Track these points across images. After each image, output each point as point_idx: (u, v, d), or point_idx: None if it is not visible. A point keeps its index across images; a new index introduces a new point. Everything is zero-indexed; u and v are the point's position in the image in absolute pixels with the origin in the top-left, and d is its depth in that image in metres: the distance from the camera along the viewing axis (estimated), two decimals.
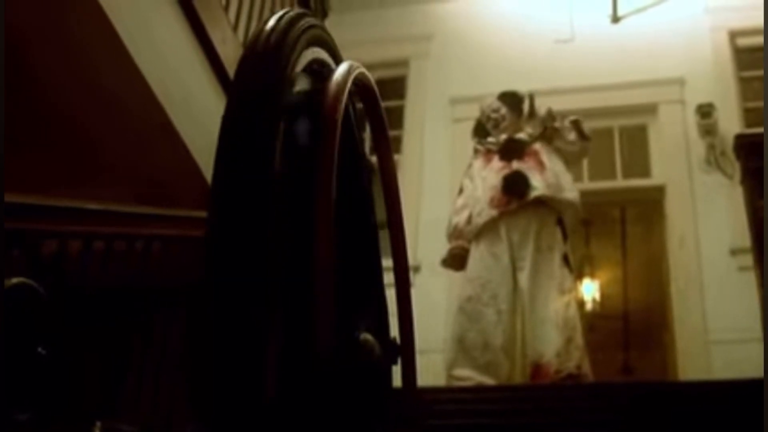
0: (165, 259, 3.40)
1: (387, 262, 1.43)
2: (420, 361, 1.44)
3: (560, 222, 4.93)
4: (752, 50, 6.91)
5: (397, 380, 1.39)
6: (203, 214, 1.14)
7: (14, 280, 1.88)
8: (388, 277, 1.43)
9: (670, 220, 6.77)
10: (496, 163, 5.04)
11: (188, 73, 3.92)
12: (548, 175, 4.91)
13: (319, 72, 1.23)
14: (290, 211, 1.07)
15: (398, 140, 7.29)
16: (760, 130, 3.95)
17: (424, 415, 3.11)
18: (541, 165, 4.94)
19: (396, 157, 6.70)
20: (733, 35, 7.13)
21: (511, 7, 7.72)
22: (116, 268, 3.28)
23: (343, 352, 1.12)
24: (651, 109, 7.12)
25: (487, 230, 4.91)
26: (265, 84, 1.06)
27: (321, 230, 1.03)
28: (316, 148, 1.08)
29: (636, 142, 7.24)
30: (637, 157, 7.18)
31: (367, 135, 1.54)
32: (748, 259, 4.14)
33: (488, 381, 4.55)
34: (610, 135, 7.22)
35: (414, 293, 1.52)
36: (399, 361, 1.37)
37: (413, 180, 7.09)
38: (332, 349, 1.00)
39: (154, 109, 3.64)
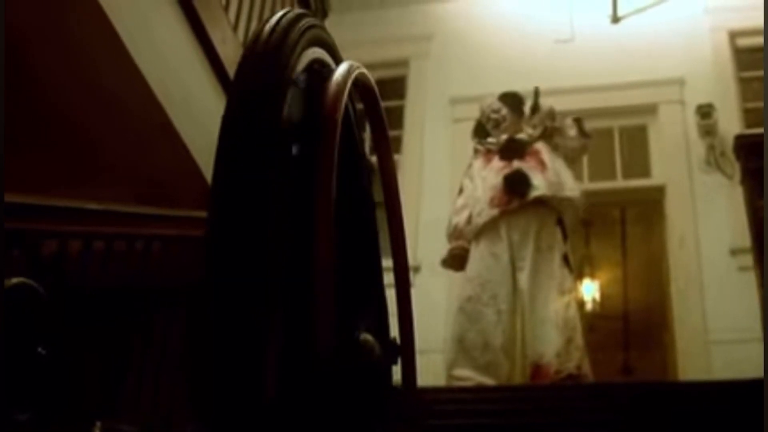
0: (165, 259, 3.40)
1: (387, 262, 1.43)
2: (420, 361, 1.44)
3: (560, 222, 4.92)
4: (752, 51, 6.91)
5: (397, 380, 1.39)
6: (203, 214, 1.14)
7: (14, 280, 1.88)
8: (388, 277, 1.43)
9: (670, 221, 6.77)
10: (497, 162, 5.04)
11: (188, 73, 3.92)
12: (550, 174, 4.90)
13: (320, 72, 1.23)
14: (290, 211, 1.07)
15: (398, 140, 7.29)
16: (760, 130, 3.95)
17: (424, 415, 3.11)
18: (542, 164, 4.94)
19: (396, 157, 6.70)
20: (733, 35, 7.13)
21: (511, 7, 7.72)
22: (116, 268, 3.29)
23: (343, 352, 1.12)
24: (651, 110, 7.12)
25: (487, 230, 4.91)
26: (265, 84, 1.06)
27: (321, 230, 1.03)
28: (315, 149, 1.08)
29: (636, 142, 7.24)
30: (637, 158, 7.18)
31: (367, 135, 1.54)
32: (748, 259, 4.14)
33: (488, 381, 4.55)
34: (610, 135, 7.22)
35: (414, 293, 1.52)
36: (399, 361, 1.37)
37: (413, 180, 7.09)
38: (332, 349, 1.00)
39: (154, 109, 3.64)
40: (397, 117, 7.37)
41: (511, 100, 5.26)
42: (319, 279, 1.01)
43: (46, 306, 1.94)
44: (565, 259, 4.85)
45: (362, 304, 1.30)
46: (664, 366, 7.27)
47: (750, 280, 3.97)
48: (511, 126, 5.16)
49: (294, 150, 1.11)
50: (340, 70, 1.22)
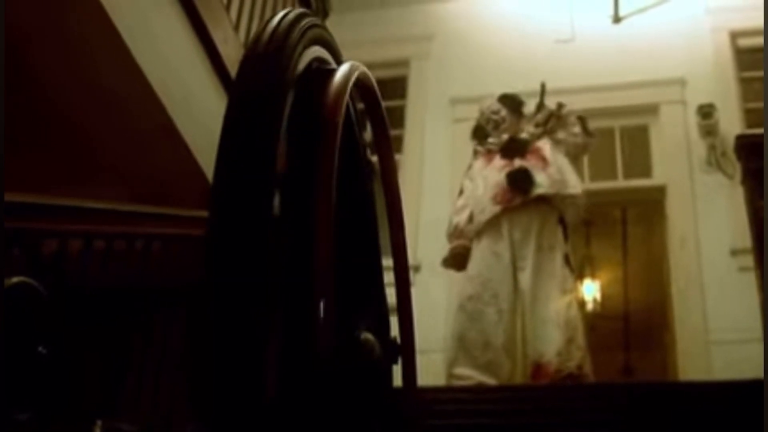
0: (165, 259, 3.40)
1: (387, 262, 1.43)
2: (420, 361, 1.44)
3: (561, 221, 4.92)
4: (753, 51, 6.90)
5: (397, 380, 1.39)
6: (203, 213, 1.14)
7: (14, 280, 1.88)
8: (389, 277, 1.43)
9: (671, 221, 6.77)
10: (498, 161, 5.04)
11: (189, 72, 3.93)
12: (552, 171, 4.90)
13: (320, 71, 1.23)
14: (290, 212, 1.07)
15: (399, 140, 7.29)
16: (760, 130, 3.94)
17: (425, 415, 3.11)
18: (544, 161, 4.93)
19: (396, 156, 6.70)
20: (734, 36, 7.13)
21: (512, 7, 7.72)
22: (116, 268, 3.28)
23: (343, 352, 1.12)
24: (652, 110, 7.12)
25: (489, 228, 4.90)
26: (266, 84, 1.06)
27: (321, 230, 1.03)
28: (316, 149, 1.08)
29: (637, 142, 7.23)
30: (638, 158, 7.18)
31: (368, 134, 1.54)
32: (749, 260, 4.14)
33: (489, 380, 4.54)
34: (611, 135, 7.21)
35: (414, 293, 1.52)
36: (399, 360, 1.37)
37: (414, 180, 7.09)
38: (332, 348, 1.00)
39: (156, 108, 3.64)
40: (397, 117, 7.37)
41: (511, 101, 5.27)
42: (318, 279, 1.01)
43: (47, 305, 1.94)
44: (566, 259, 4.85)
45: (362, 304, 1.30)
46: (664, 366, 7.27)
47: (750, 281, 3.97)
48: (510, 127, 5.16)
49: (295, 151, 1.11)
50: (341, 70, 1.22)
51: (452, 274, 5.39)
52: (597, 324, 8.01)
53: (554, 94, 5.49)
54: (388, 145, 1.49)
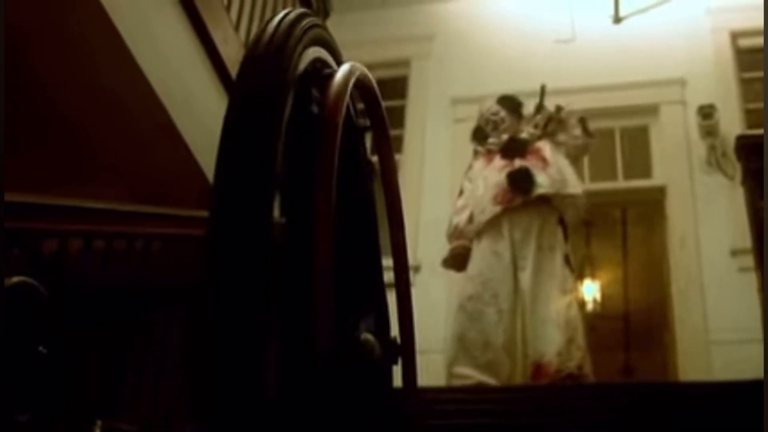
0: (165, 259, 3.40)
1: (387, 262, 1.43)
2: (420, 361, 1.44)
3: (561, 222, 4.93)
4: (753, 51, 6.90)
5: (397, 380, 1.39)
6: (204, 213, 1.14)
7: (15, 279, 1.88)
8: (389, 277, 1.43)
9: (671, 221, 6.76)
10: (498, 161, 5.04)
11: (190, 72, 3.93)
12: (552, 171, 4.91)
13: (321, 72, 1.23)
14: (291, 212, 1.07)
15: (399, 140, 7.29)
16: (761, 131, 3.94)
17: (425, 415, 3.11)
18: (544, 162, 4.94)
19: (397, 156, 6.70)
20: (735, 36, 7.12)
21: (512, 7, 7.72)
22: (117, 267, 3.28)
23: (343, 352, 1.12)
24: (652, 110, 7.12)
25: (489, 228, 4.91)
26: (267, 85, 1.06)
27: (321, 230, 1.03)
28: (316, 150, 1.09)
29: (637, 142, 7.23)
30: (638, 158, 7.18)
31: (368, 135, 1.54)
32: (749, 260, 4.14)
33: (489, 380, 4.55)
34: (611, 135, 7.21)
35: (414, 293, 1.52)
36: (399, 360, 1.37)
37: (414, 180, 7.09)
38: (332, 348, 1.00)
39: (156, 108, 3.64)
40: (398, 117, 7.37)
41: (509, 102, 5.28)
42: (318, 279, 1.01)
43: (47, 305, 1.94)
44: (567, 259, 4.85)
45: (363, 304, 1.30)
46: (664, 366, 7.26)
47: (750, 281, 3.97)
48: (509, 128, 5.17)
49: (295, 152, 1.11)
50: (342, 71, 1.22)
51: (452, 274, 5.39)
52: (597, 324, 8.01)
53: (555, 94, 5.50)
54: (389, 146, 1.49)
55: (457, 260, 5.07)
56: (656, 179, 7.02)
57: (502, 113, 5.22)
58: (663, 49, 7.11)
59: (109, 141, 3.85)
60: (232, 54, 4.09)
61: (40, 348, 1.88)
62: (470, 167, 5.30)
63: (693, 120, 6.76)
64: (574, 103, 5.38)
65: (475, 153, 5.33)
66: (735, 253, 6.07)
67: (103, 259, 3.22)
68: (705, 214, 6.49)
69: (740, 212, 4.04)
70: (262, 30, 1.13)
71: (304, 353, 1.01)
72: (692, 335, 6.16)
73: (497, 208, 4.87)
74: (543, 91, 5.28)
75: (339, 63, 1.31)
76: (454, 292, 5.30)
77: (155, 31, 3.64)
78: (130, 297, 3.38)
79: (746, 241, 4.00)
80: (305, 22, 1.17)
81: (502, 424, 3.38)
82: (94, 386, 3.22)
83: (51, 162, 3.86)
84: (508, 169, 4.94)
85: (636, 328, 8.92)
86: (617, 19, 7.36)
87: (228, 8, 4.29)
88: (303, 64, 1.16)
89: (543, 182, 4.85)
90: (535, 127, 5.14)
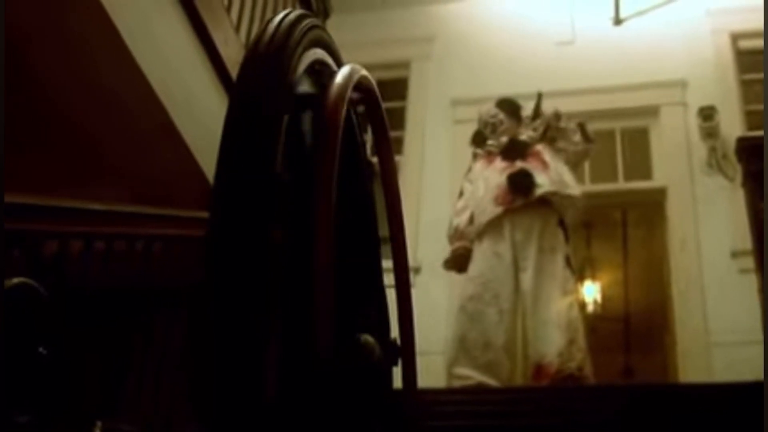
0: (166, 260, 3.40)
1: (387, 263, 1.43)
2: (420, 363, 1.44)
3: (562, 223, 4.93)
4: (754, 53, 6.89)
5: (397, 381, 1.39)
6: (204, 214, 1.14)
7: (15, 280, 1.88)
8: (389, 278, 1.43)
9: (672, 223, 6.76)
10: (499, 163, 5.05)
11: (190, 73, 3.92)
12: (552, 173, 4.92)
13: (321, 74, 1.24)
14: (291, 213, 1.07)
15: (399, 141, 7.29)
16: (761, 133, 3.94)
17: (425, 417, 3.11)
18: (544, 164, 4.95)
19: (397, 158, 6.70)
20: (735, 38, 7.13)
21: (513, 9, 7.72)
22: (117, 268, 3.28)
23: (343, 353, 1.12)
24: (653, 112, 7.12)
25: (490, 229, 4.91)
26: (267, 86, 1.06)
27: (321, 232, 1.03)
28: (316, 151, 1.09)
29: (637, 144, 7.23)
30: (639, 160, 7.18)
31: (369, 136, 1.54)
32: (749, 262, 4.14)
33: (489, 380, 4.55)
34: (611, 137, 7.21)
35: (414, 294, 1.52)
36: (399, 362, 1.37)
37: (414, 181, 7.09)
38: (331, 349, 1.00)
39: (156, 109, 3.64)
40: (398, 118, 7.37)
41: (508, 105, 5.29)
42: (318, 280, 1.01)
43: (47, 306, 1.94)
44: (568, 261, 4.85)
45: (363, 305, 1.30)
46: (664, 368, 7.26)
47: (751, 283, 3.97)
48: (508, 130, 5.18)
49: (296, 152, 1.11)
50: (342, 73, 1.22)
51: (452, 275, 5.39)
52: (597, 325, 8.00)
53: (555, 96, 5.50)
54: (389, 147, 1.49)
55: (459, 261, 5.07)
56: (657, 181, 7.02)
57: (501, 116, 5.23)
58: (663, 50, 7.11)
59: (109, 141, 3.85)
60: (233, 55, 4.09)
61: (41, 349, 1.88)
62: (470, 169, 5.31)
63: (693, 121, 6.77)
64: (575, 105, 5.39)
65: (475, 155, 5.34)
66: (735, 254, 6.07)
67: (104, 260, 3.22)
68: (705, 216, 6.49)
69: (741, 214, 4.04)
70: (262, 31, 1.13)
71: (304, 353, 1.01)
72: (693, 337, 6.16)
73: (498, 209, 4.88)
74: (539, 99, 5.28)
75: (339, 64, 1.31)
76: (455, 294, 5.30)
77: (156, 31, 3.64)
78: (131, 298, 3.38)
79: (747, 242, 4.01)
80: (305, 23, 1.18)
81: (503, 426, 3.38)
82: (95, 387, 3.22)
83: (51, 162, 3.86)
84: (508, 171, 4.94)
85: (636, 329, 8.91)
86: (617, 21, 7.36)
87: (228, 9, 4.29)
88: (303, 66, 1.16)
89: (543, 183, 4.85)
90: (534, 130, 5.15)
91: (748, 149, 3.72)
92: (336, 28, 1.75)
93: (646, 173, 7.12)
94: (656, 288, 7.61)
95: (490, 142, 5.21)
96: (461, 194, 5.21)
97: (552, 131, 5.13)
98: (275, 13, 1.45)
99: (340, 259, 1.07)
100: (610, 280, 9.03)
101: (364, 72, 1.31)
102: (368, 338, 1.20)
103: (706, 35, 7.14)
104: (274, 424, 0.97)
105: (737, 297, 5.53)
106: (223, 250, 0.98)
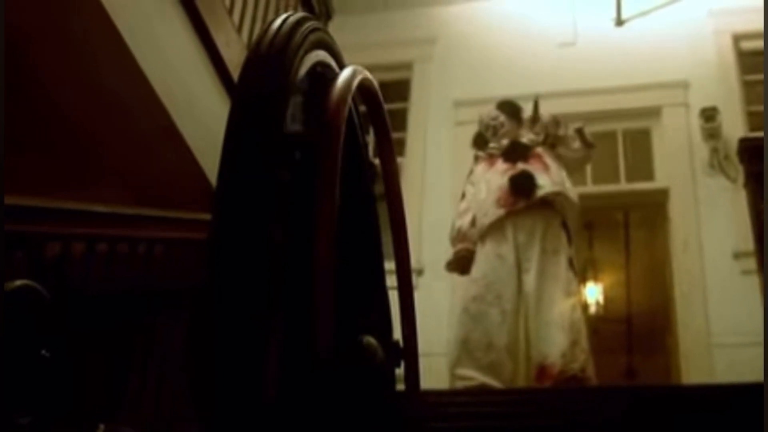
0: (168, 262, 3.40)
1: (390, 265, 1.43)
2: (423, 364, 1.44)
3: (564, 225, 4.93)
4: (756, 53, 6.89)
5: (400, 383, 1.39)
6: (206, 216, 1.14)
7: (17, 283, 1.88)
8: (391, 280, 1.43)
9: (674, 224, 6.76)
10: (500, 165, 5.05)
11: (192, 75, 3.93)
12: (554, 175, 4.92)
13: (323, 76, 1.23)
14: (293, 214, 1.07)
15: (401, 143, 7.29)
16: (763, 134, 3.94)
17: (427, 418, 3.10)
18: (545, 166, 4.96)
19: (399, 159, 6.70)
20: (737, 38, 7.12)
21: (515, 10, 7.72)
22: (119, 271, 3.28)
23: (346, 355, 1.12)
24: (655, 113, 7.11)
25: (493, 231, 4.92)
26: (269, 88, 1.06)
27: (322, 233, 1.03)
28: (318, 153, 1.08)
29: (639, 145, 7.23)
30: (641, 161, 7.17)
31: (371, 137, 1.54)
32: (752, 263, 4.14)
33: (491, 381, 4.55)
34: (613, 138, 7.21)
35: (417, 296, 1.51)
36: (402, 363, 1.37)
37: (416, 182, 7.09)
38: (332, 349, 1.00)
39: (157, 111, 3.64)
40: (400, 119, 7.38)
41: (509, 107, 5.30)
42: (319, 281, 1.01)
43: (49, 308, 1.94)
44: (570, 263, 4.85)
45: (365, 307, 1.30)
46: (667, 369, 7.25)
47: (753, 284, 3.97)
48: (509, 132, 5.19)
49: (298, 154, 1.11)
50: (344, 75, 1.22)
51: (455, 277, 5.39)
52: (600, 327, 8.00)
53: (557, 97, 5.51)
54: (391, 148, 1.49)
55: (461, 263, 5.08)
56: (659, 182, 7.01)
57: (502, 118, 5.24)
58: (665, 51, 7.11)
59: (110, 142, 3.85)
60: (235, 57, 4.09)
61: (43, 351, 1.87)
62: (471, 171, 5.31)
63: (695, 122, 6.76)
64: (576, 106, 5.39)
65: (476, 158, 5.35)
66: (738, 255, 6.07)
67: (106, 262, 3.22)
68: (707, 217, 6.49)
69: (743, 215, 4.04)
70: (264, 33, 1.13)
71: (304, 355, 1.01)
72: (695, 338, 6.16)
73: (501, 211, 4.88)
74: (536, 104, 5.28)
75: (341, 66, 1.31)
76: (457, 295, 5.30)
77: (157, 32, 3.64)
78: (133, 300, 3.38)
79: (749, 243, 4.00)
80: (307, 25, 1.17)
81: (506, 427, 3.38)
82: (97, 389, 3.22)
83: (52, 164, 3.86)
84: (510, 173, 4.95)
85: (639, 331, 8.91)
86: (619, 22, 7.36)
87: (230, 11, 4.29)
88: (305, 68, 1.16)
89: (545, 184, 4.86)
90: (536, 134, 5.15)
91: (750, 150, 3.71)
92: (338, 29, 1.75)
93: (648, 174, 7.11)
94: (658, 289, 7.61)
95: (491, 144, 5.21)
96: (463, 196, 5.22)
97: (551, 138, 5.14)
98: (277, 15, 1.45)
99: (342, 260, 1.06)
100: (612, 281, 9.03)
101: (367, 73, 1.31)
102: (370, 339, 1.20)
103: (708, 36, 7.14)
104: (275, 425, 0.97)
105: (739, 298, 5.54)
106: (226, 251, 0.98)
